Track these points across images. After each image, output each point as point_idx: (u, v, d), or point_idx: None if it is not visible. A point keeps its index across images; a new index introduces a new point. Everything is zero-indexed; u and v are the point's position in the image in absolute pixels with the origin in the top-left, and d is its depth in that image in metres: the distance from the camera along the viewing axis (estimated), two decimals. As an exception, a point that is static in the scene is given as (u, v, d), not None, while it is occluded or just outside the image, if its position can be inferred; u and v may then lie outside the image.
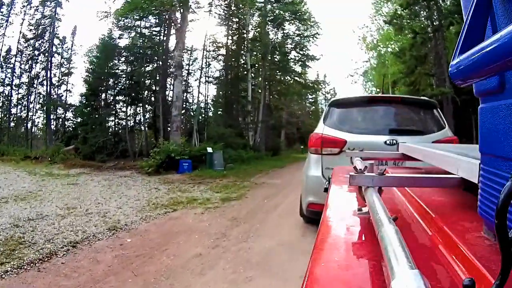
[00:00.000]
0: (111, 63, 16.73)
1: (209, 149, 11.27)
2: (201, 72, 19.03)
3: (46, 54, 18.86)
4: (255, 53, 19.78)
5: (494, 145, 0.48)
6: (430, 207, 0.70)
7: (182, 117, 17.56)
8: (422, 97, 3.78)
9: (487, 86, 0.51)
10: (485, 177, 0.51)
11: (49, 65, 18.97)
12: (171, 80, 16.05)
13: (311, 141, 3.34)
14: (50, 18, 18.73)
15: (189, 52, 18.76)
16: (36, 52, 18.90)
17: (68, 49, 20.06)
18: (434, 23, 12.98)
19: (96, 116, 16.25)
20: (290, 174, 10.26)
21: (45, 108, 18.87)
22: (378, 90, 22.70)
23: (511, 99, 0.44)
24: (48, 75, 18.89)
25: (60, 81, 19.48)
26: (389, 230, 0.42)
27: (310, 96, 32.25)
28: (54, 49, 19.28)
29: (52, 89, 19.28)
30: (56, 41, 19.43)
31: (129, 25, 16.80)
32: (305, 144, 23.08)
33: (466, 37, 0.45)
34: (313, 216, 3.35)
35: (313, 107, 35.10)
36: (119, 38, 17.19)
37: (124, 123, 17.25)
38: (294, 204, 5.02)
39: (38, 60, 19.00)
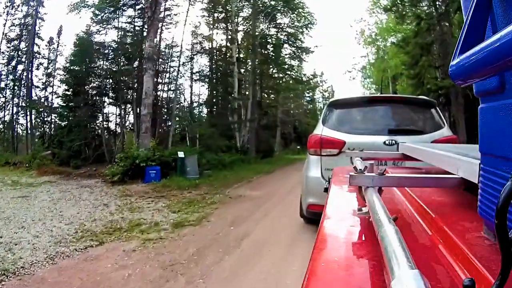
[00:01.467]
0: (89, 61, 16.13)
1: (181, 154, 10.17)
2: (179, 68, 18.21)
3: (28, 55, 18.53)
4: (245, 44, 19.12)
5: (494, 145, 0.49)
6: (430, 207, 0.72)
7: (177, 119, 17.08)
8: (420, 97, 3.86)
9: (487, 86, 0.52)
10: (485, 177, 0.52)
11: (30, 66, 18.63)
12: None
13: (310, 142, 3.40)
14: (31, 17, 18.39)
15: (172, 47, 18.12)
16: (20, 53, 18.57)
17: (53, 50, 19.73)
18: (439, 10, 12.66)
19: (73, 118, 15.44)
20: (276, 183, 9.17)
21: (26, 111, 18.50)
22: (377, 86, 22.67)
23: (511, 99, 0.45)
24: (29, 77, 18.56)
25: (45, 83, 19.12)
26: (389, 230, 0.43)
27: (307, 95, 32.18)
28: (36, 49, 18.92)
29: (36, 91, 18.91)
30: (39, 42, 19.07)
31: (107, 19, 16.35)
32: (302, 144, 23.00)
33: (466, 37, 0.46)
34: (313, 217, 3.39)
35: (311, 105, 35.11)
36: (97, 33, 16.64)
37: (102, 125, 16.66)
38: (271, 232, 4.19)
39: (21, 61, 18.66)
